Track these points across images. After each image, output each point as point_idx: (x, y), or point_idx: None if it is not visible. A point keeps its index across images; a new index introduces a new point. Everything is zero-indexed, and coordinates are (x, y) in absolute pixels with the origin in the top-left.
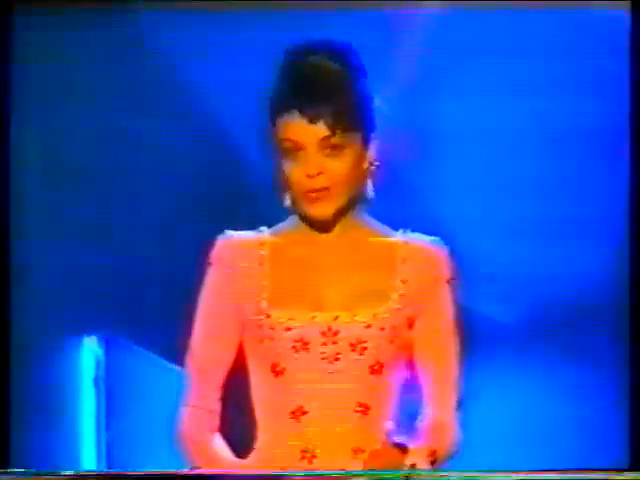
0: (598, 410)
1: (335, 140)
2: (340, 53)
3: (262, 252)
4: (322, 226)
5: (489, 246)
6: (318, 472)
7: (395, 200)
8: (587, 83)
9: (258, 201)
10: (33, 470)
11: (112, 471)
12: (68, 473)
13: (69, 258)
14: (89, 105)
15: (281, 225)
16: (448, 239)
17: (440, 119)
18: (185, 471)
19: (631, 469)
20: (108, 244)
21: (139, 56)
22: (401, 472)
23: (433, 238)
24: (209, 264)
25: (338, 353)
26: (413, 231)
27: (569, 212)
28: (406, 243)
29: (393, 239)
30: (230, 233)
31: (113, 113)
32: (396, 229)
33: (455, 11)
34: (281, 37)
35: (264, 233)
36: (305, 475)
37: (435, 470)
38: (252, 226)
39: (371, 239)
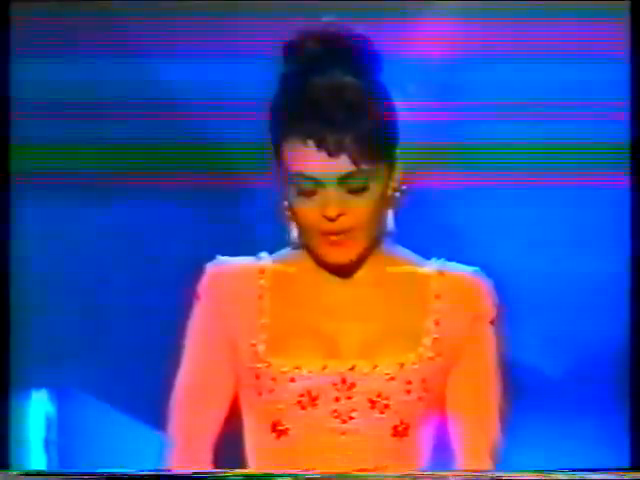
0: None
1: (359, 175)
2: (356, 56)
3: (261, 282)
4: (340, 271)
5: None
6: (318, 474)
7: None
8: (587, 83)
9: (255, 222)
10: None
11: (113, 471)
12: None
13: (17, 291)
14: (87, 110)
15: (286, 250)
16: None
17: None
18: (183, 471)
19: (633, 469)
20: (65, 268)
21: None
22: (401, 474)
23: (473, 268)
24: (196, 297)
25: (353, 410)
26: (449, 260)
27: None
28: (441, 275)
29: (425, 270)
30: (222, 259)
31: (108, 120)
32: (427, 258)
33: (453, 13)
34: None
35: (264, 259)
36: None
37: (435, 470)
38: (249, 251)
39: (397, 269)
